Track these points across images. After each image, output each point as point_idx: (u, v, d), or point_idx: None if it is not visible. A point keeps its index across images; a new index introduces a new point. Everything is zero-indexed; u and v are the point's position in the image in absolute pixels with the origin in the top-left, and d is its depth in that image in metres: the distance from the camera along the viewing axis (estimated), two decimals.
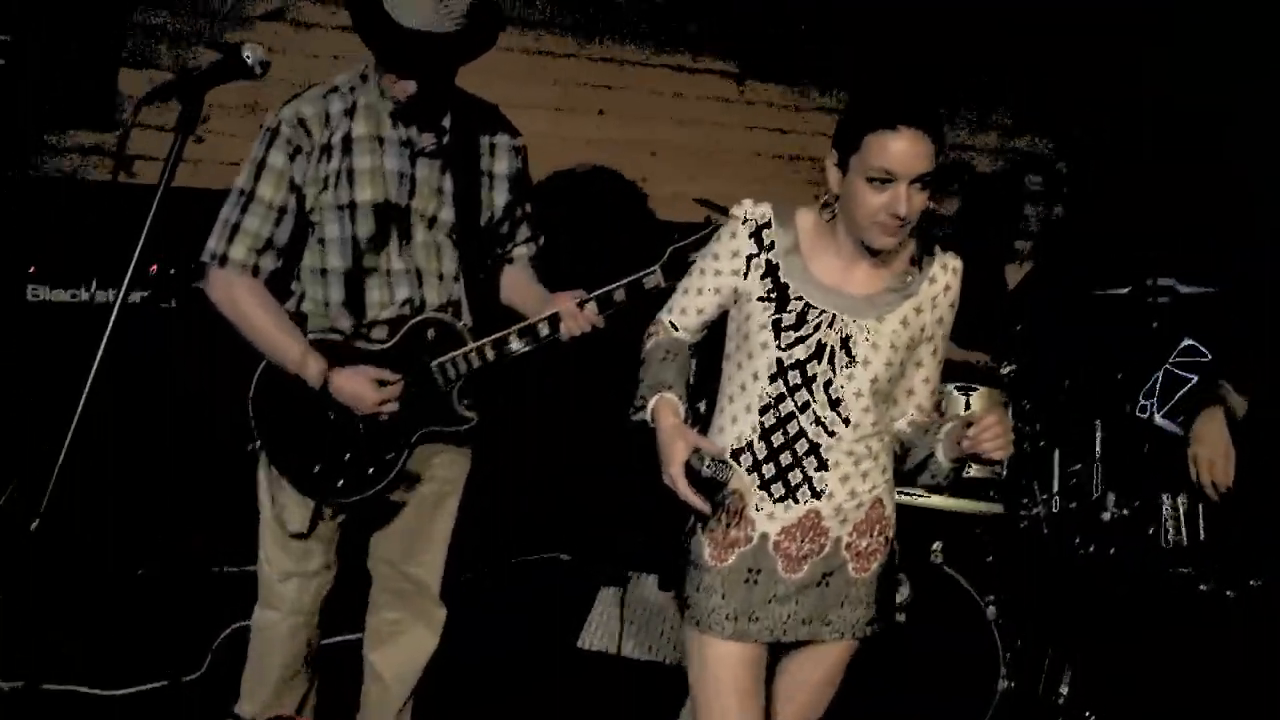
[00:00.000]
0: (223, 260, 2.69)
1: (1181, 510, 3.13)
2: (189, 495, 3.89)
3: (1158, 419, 3.96)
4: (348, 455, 2.76)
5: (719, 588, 2.38)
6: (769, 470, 2.35)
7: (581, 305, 2.73)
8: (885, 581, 2.47)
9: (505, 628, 4.15)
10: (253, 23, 4.30)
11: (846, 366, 2.31)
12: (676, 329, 2.46)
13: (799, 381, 2.31)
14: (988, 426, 2.22)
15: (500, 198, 2.87)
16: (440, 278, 2.79)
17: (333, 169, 2.69)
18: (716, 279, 2.39)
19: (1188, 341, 4.51)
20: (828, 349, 2.31)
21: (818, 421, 2.32)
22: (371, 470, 2.77)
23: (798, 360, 2.31)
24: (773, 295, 2.33)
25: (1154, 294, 3.79)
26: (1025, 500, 3.75)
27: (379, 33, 2.54)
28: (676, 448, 2.21)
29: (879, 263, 2.34)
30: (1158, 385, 4.35)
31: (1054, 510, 3.77)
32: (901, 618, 3.51)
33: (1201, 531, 3.13)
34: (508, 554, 4.69)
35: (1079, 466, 3.93)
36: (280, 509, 2.85)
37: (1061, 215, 4.43)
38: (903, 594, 3.53)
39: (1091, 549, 3.75)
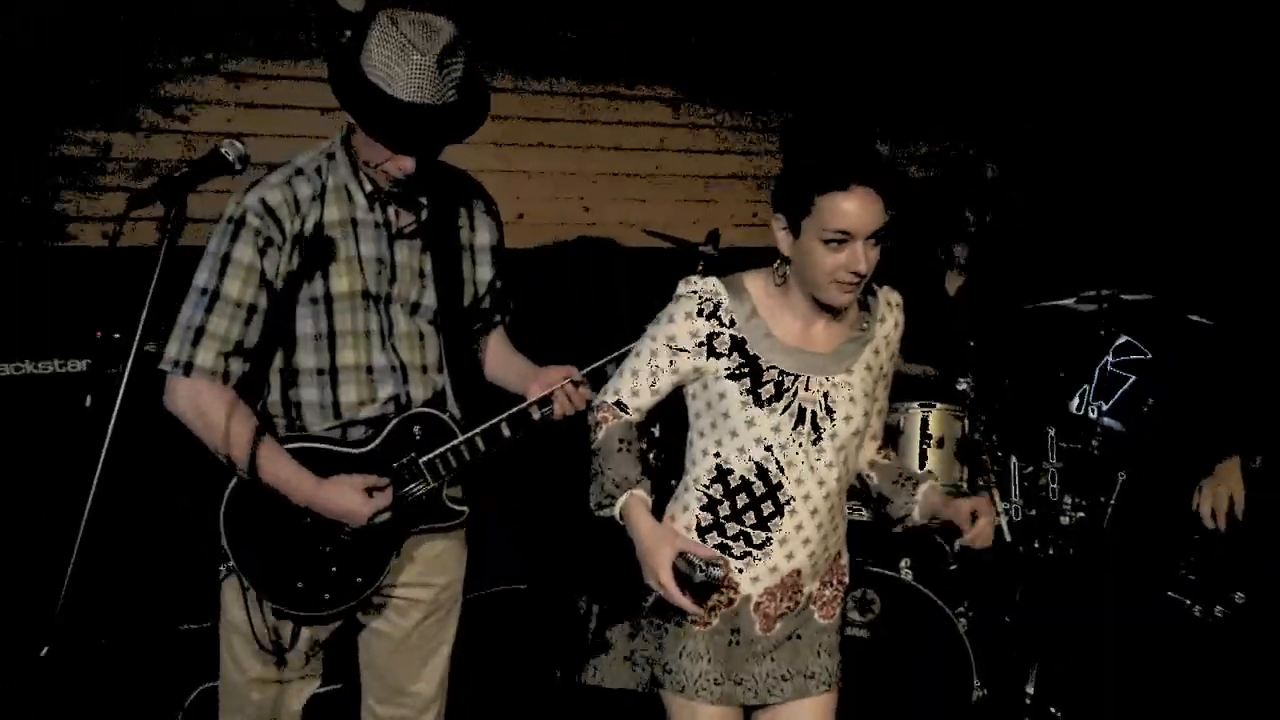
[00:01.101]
0: (188, 369, 2.41)
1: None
2: (143, 555, 3.81)
3: (1105, 420, 4.09)
4: (334, 568, 2.56)
5: (704, 652, 2.38)
6: (758, 537, 2.35)
7: (576, 385, 2.57)
8: (842, 626, 2.53)
9: (474, 662, 4.15)
10: None
11: (831, 425, 2.34)
12: (626, 410, 2.40)
13: (787, 451, 2.32)
14: (982, 530, 2.36)
15: (484, 272, 2.69)
16: (424, 370, 2.58)
17: (306, 260, 2.46)
18: (675, 360, 2.35)
19: (1123, 339, 4.66)
20: (809, 413, 2.33)
21: (807, 486, 2.34)
22: (360, 579, 2.58)
23: (783, 430, 2.32)
24: (744, 370, 2.32)
25: (1098, 302, 3.89)
26: None
27: (377, 109, 2.31)
28: (664, 553, 2.20)
29: (834, 316, 2.36)
30: (1101, 385, 4.49)
31: (1015, 518, 3.86)
32: (866, 634, 3.59)
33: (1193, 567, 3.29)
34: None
35: (1030, 469, 4.05)
36: (258, 624, 2.57)
37: (996, 220, 4.52)
38: (874, 610, 3.60)
39: (1052, 553, 3.87)
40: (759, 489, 2.34)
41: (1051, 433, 3.95)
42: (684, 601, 2.18)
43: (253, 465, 2.45)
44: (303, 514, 2.50)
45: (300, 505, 2.49)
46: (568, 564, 4.56)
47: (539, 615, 4.48)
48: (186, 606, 3.92)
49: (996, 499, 3.87)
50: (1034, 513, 3.90)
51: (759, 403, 2.31)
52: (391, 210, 2.53)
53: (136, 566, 3.72)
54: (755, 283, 2.37)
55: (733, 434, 2.34)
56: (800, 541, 2.35)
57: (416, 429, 2.57)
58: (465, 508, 2.67)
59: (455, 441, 2.57)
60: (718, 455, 2.36)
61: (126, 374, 2.02)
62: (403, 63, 2.28)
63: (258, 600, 2.56)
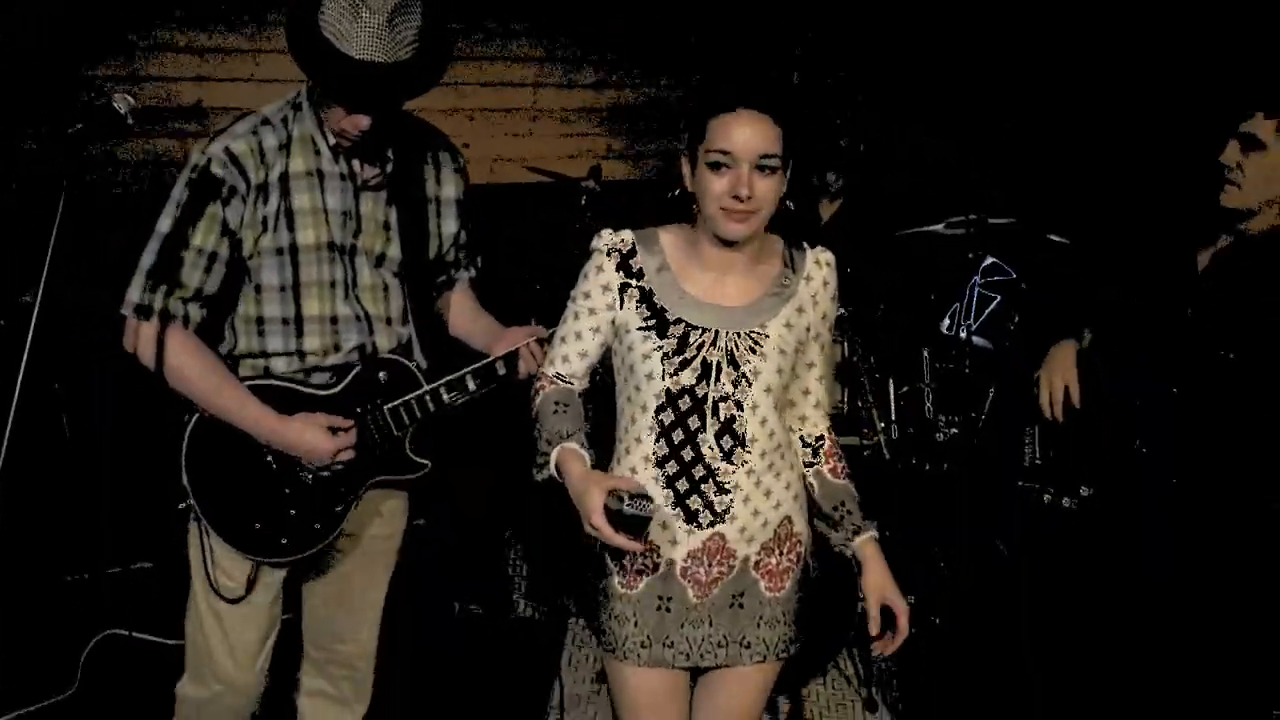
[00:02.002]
0: (146, 313, 2.42)
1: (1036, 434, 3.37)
2: (35, 506, 3.72)
3: (975, 339, 4.26)
4: (293, 511, 2.57)
5: (631, 616, 2.34)
6: (669, 497, 2.30)
7: (541, 343, 2.58)
8: (802, 599, 2.42)
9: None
10: None
11: (737, 382, 2.28)
12: (563, 379, 2.38)
13: (690, 406, 2.27)
14: (886, 645, 2.31)
15: (449, 225, 2.68)
16: (389, 321, 2.60)
17: (271, 210, 2.46)
18: (593, 318, 2.34)
19: (990, 260, 4.85)
20: (714, 366, 2.28)
21: (714, 444, 2.28)
22: (318, 525, 2.59)
23: (687, 386, 2.27)
24: (651, 323, 2.29)
25: (965, 227, 4.04)
26: (866, 429, 3.99)
27: (328, 66, 2.31)
28: (592, 495, 2.11)
29: (750, 269, 2.31)
30: (969, 305, 4.68)
31: (894, 437, 4.02)
32: None
33: (1037, 449, 3.40)
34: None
35: (906, 389, 4.21)
36: (214, 570, 2.61)
37: (866, 148, 4.63)
38: None
39: (928, 468, 4.04)
40: (664, 449, 2.29)
41: (925, 353, 4.12)
42: (619, 540, 2.11)
43: (215, 403, 2.48)
44: (264, 455, 2.52)
45: (263, 443, 2.51)
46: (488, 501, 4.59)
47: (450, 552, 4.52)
48: (70, 555, 3.88)
49: (876, 418, 4.03)
50: (911, 431, 4.07)
51: (661, 357, 2.29)
52: (356, 162, 2.53)
53: (27, 517, 3.64)
54: (669, 236, 2.35)
55: (638, 389, 2.32)
56: (714, 501, 2.29)
57: (382, 375, 2.58)
58: (427, 461, 2.67)
59: (421, 390, 2.58)
60: (630, 408, 2.35)
61: (32, 327, 1.99)
62: (353, 20, 2.28)
63: (210, 540, 2.59)
